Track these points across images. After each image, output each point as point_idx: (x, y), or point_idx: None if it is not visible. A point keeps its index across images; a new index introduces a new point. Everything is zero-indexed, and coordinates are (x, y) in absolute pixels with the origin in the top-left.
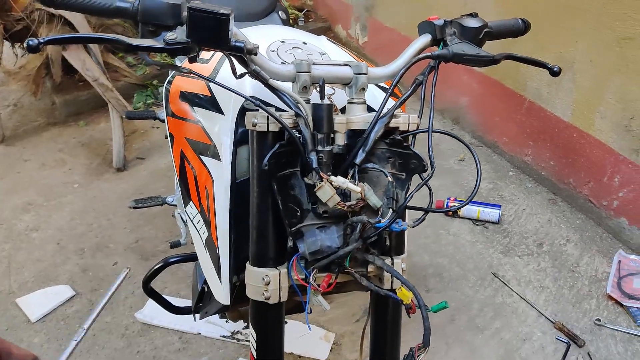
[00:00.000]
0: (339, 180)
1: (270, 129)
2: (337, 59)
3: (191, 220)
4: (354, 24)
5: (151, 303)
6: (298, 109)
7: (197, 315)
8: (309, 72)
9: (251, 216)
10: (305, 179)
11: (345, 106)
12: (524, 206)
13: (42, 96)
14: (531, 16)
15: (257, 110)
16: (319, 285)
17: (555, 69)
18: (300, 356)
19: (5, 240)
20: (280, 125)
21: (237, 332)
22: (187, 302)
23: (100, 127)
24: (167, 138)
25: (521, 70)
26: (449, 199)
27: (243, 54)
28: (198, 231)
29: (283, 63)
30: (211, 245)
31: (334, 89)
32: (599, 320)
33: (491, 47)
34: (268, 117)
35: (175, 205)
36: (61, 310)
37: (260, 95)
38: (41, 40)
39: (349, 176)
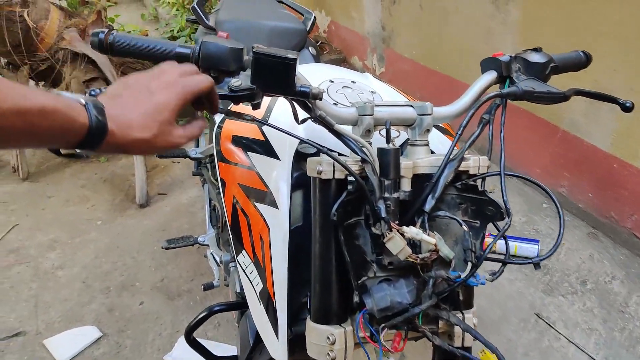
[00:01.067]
0: (411, 231)
1: (335, 176)
2: (388, 98)
3: (243, 270)
4: (371, 55)
5: (180, 345)
6: (365, 154)
7: None
8: (372, 115)
9: (313, 268)
10: (372, 228)
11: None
12: (562, 241)
13: None
14: (562, 44)
15: (316, 153)
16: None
17: (627, 105)
18: None
19: (32, 278)
20: (346, 172)
21: None
22: (228, 350)
23: (122, 162)
24: (204, 181)
25: None
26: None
27: (308, 99)
28: (251, 282)
29: (335, 104)
30: (266, 297)
31: (399, 132)
32: None
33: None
34: (333, 163)
35: (207, 245)
36: (89, 353)
37: (314, 137)
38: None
39: (418, 225)
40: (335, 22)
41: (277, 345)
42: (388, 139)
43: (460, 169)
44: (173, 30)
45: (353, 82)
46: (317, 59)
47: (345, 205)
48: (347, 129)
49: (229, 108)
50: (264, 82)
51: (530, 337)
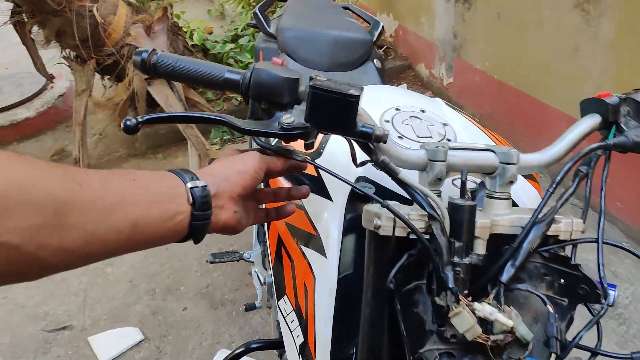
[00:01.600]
0: (485, 310)
1: (395, 233)
2: (462, 132)
3: (284, 318)
4: (439, 64)
5: (219, 357)
6: (433, 209)
7: None
8: (445, 161)
9: (362, 333)
10: (436, 298)
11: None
12: None
13: None
14: None
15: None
16: None
17: None
18: None
19: (83, 273)
20: (408, 229)
21: None
22: None
23: (178, 161)
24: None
25: None
26: None
27: (370, 142)
28: (291, 332)
29: (400, 137)
30: (307, 354)
31: (476, 183)
32: None
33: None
34: (394, 219)
35: (253, 263)
36: (130, 355)
37: (372, 175)
38: (140, 120)
39: (491, 297)
40: (403, 27)
41: None
42: (463, 192)
43: (549, 232)
44: (237, 28)
45: (422, 110)
46: (381, 72)
47: (405, 269)
48: (413, 177)
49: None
50: (320, 120)
51: None
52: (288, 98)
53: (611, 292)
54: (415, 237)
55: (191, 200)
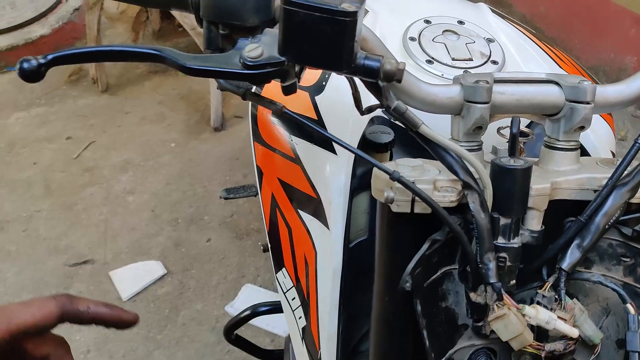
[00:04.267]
0: (540, 318)
1: (415, 210)
2: (516, 51)
3: (284, 293)
4: None
5: (243, 295)
6: (471, 177)
7: None
8: (489, 103)
9: (372, 335)
10: (471, 294)
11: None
12: None
13: (144, 41)
14: None
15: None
16: None
17: None
18: None
19: (104, 202)
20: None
21: None
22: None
23: (199, 79)
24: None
25: None
26: None
27: (377, 79)
28: (293, 311)
29: (430, 62)
30: (311, 342)
31: (532, 133)
32: None
33: None
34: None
35: None
36: (152, 291)
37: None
38: (42, 61)
39: (547, 286)
40: None
41: None
42: (513, 149)
43: (634, 199)
44: None
45: (460, 22)
46: None
47: (427, 260)
48: (442, 124)
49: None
50: (300, 52)
51: None
52: (255, 18)
53: None
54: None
55: None
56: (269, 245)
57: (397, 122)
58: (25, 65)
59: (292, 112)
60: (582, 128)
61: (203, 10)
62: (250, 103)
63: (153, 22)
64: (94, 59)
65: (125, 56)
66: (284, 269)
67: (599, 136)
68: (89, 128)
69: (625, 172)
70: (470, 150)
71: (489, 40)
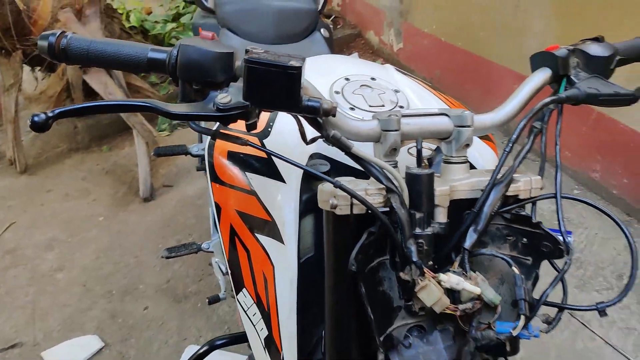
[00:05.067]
0: (451, 281)
1: (353, 212)
2: (415, 97)
3: (245, 311)
4: (387, 30)
5: (187, 356)
6: (390, 182)
7: None
8: (399, 130)
9: (327, 321)
10: (400, 273)
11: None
12: (595, 230)
13: (64, 120)
14: (592, 24)
15: (329, 172)
16: None
17: None
18: None
19: (30, 282)
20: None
21: None
22: None
23: (125, 151)
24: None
25: None
26: None
27: (318, 116)
28: (254, 326)
29: (352, 109)
30: (273, 347)
31: (431, 149)
32: None
33: None
34: (352, 198)
35: (212, 252)
36: None
37: (327, 151)
38: (50, 115)
39: (456, 264)
40: None
41: None
42: (419, 161)
43: (509, 193)
44: (178, 6)
45: (373, 79)
46: (329, 42)
47: (366, 248)
48: (367, 150)
49: (216, 129)
50: (260, 98)
51: (564, 337)
52: (222, 76)
53: (568, 239)
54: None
55: None
56: (229, 271)
57: (330, 157)
58: (36, 118)
59: (255, 144)
60: (467, 146)
61: (180, 72)
62: (206, 153)
63: (76, 99)
64: (94, 112)
65: (122, 108)
66: (244, 289)
67: (485, 158)
68: (8, 209)
69: (500, 175)
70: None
71: (396, 91)
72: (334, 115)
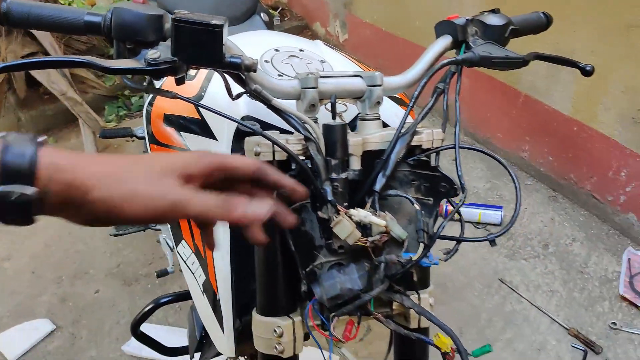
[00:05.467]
0: (360, 214)
1: (275, 158)
2: (340, 68)
3: (184, 262)
4: (333, 21)
5: None
6: (308, 132)
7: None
8: (316, 88)
9: (257, 260)
10: (319, 212)
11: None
12: (524, 205)
13: (6, 113)
14: (523, 5)
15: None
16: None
17: (587, 68)
18: None
19: None
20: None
21: None
22: (181, 340)
23: (71, 143)
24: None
25: None
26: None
27: (240, 72)
28: (193, 274)
29: (280, 75)
30: (210, 290)
31: (346, 106)
32: (614, 324)
33: None
34: (273, 145)
35: (159, 230)
36: (42, 347)
37: (257, 113)
38: None
39: (368, 205)
40: None
41: (222, 340)
42: (334, 114)
43: (413, 143)
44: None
45: (301, 50)
46: (269, 25)
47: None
48: (288, 104)
49: (161, 84)
50: (186, 54)
51: (494, 302)
52: (153, 36)
53: (499, 213)
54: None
55: None
56: (169, 226)
57: (260, 119)
58: None
59: (183, 96)
60: (378, 103)
61: (114, 32)
62: (144, 119)
63: (19, 90)
64: (36, 67)
65: (61, 64)
66: (182, 241)
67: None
68: None
69: (405, 129)
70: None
71: (322, 61)
72: (254, 71)
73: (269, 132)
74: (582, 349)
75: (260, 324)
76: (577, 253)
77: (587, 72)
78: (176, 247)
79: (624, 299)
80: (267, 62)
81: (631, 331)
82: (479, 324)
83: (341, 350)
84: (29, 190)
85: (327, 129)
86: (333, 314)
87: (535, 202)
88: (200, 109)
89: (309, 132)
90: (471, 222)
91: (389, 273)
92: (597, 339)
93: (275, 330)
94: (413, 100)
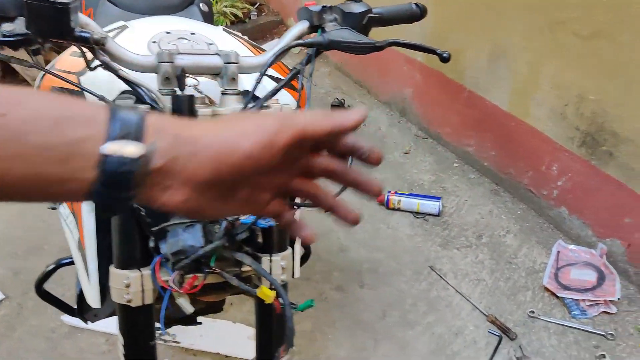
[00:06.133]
0: None
1: None
2: (225, 49)
3: (65, 222)
4: None
5: None
6: (154, 102)
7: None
8: (172, 63)
9: (113, 217)
10: None
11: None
12: (465, 197)
13: None
14: (462, 4)
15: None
16: (181, 286)
17: (444, 55)
18: (227, 356)
19: None
20: None
21: (165, 333)
22: None
23: None
24: None
25: (459, 59)
26: (389, 192)
27: (90, 45)
28: (71, 232)
29: None
30: (80, 245)
31: (197, 79)
32: (532, 312)
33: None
34: None
35: None
36: None
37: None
38: None
39: None
40: None
41: (90, 292)
42: (181, 86)
43: None
44: None
45: (192, 33)
46: (207, 16)
47: None
48: (139, 76)
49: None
50: (38, 28)
51: (421, 287)
52: (14, 12)
53: (436, 204)
54: None
55: (97, 173)
56: None
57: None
58: None
59: (53, 71)
60: (234, 79)
61: None
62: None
63: None
64: None
65: None
66: (64, 203)
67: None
68: None
69: (253, 104)
70: (165, 95)
71: (210, 44)
72: (103, 45)
73: (143, 107)
74: (498, 334)
75: (114, 276)
76: (509, 244)
77: (444, 59)
78: (58, 207)
79: (547, 289)
80: (154, 42)
81: (548, 320)
82: (402, 308)
83: (179, 300)
84: (138, 146)
85: (174, 99)
86: (176, 268)
87: (476, 194)
88: (82, 82)
89: (156, 102)
90: (410, 212)
91: (231, 233)
92: (514, 326)
93: (124, 281)
94: (260, 75)
